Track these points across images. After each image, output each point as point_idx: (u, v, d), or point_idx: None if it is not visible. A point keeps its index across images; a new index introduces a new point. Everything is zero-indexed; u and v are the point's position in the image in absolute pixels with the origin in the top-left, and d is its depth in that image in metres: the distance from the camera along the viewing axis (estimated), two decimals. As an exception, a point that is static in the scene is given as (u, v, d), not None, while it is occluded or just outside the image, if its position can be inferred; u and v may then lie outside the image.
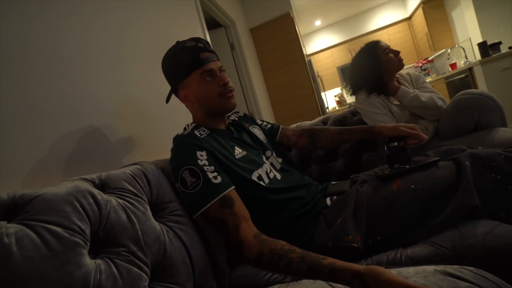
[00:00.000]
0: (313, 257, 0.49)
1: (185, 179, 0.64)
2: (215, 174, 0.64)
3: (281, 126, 1.00)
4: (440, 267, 0.44)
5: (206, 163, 0.65)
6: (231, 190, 0.64)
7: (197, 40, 0.75)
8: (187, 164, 0.64)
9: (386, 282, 0.40)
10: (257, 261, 0.55)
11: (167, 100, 0.81)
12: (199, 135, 0.72)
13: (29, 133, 0.58)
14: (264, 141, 0.87)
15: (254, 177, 0.70)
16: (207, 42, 0.77)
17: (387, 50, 1.16)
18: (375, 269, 0.42)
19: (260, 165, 0.74)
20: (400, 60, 1.15)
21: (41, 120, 0.61)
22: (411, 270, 0.46)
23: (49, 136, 0.62)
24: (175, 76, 0.76)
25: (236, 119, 0.91)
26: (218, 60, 0.78)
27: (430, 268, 0.45)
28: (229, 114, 0.93)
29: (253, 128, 0.89)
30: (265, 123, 0.99)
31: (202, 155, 0.66)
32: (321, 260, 0.47)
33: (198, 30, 1.75)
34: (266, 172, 0.74)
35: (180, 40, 0.78)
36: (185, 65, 0.73)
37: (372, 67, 1.17)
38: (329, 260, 0.47)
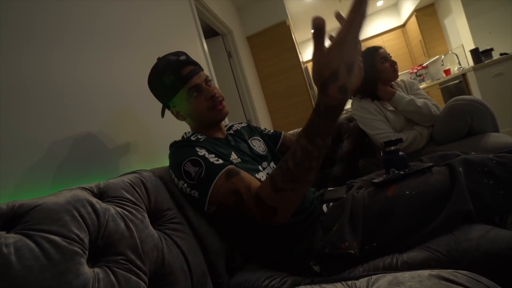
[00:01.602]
0: (295, 144, 0.52)
1: (189, 171, 0.65)
2: (216, 158, 0.66)
3: (283, 132, 1.02)
4: (435, 272, 0.45)
5: (207, 153, 0.67)
6: (231, 166, 0.65)
7: (177, 54, 0.75)
8: (187, 157, 0.66)
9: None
10: (275, 188, 0.54)
11: (162, 115, 0.82)
12: (196, 140, 0.73)
13: (24, 142, 0.58)
14: (263, 152, 0.88)
15: None
16: (187, 55, 0.77)
17: (383, 58, 1.18)
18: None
19: (255, 173, 0.75)
20: (395, 70, 1.18)
21: (36, 128, 0.62)
22: (406, 275, 0.46)
23: (46, 144, 0.63)
24: (162, 96, 0.77)
25: (238, 128, 0.93)
26: (202, 70, 0.78)
27: (425, 272, 0.45)
28: (231, 124, 0.95)
29: (252, 141, 0.90)
30: (267, 130, 1.01)
31: (201, 150, 0.68)
32: (299, 139, 0.51)
33: (195, 39, 1.78)
34: (261, 180, 0.75)
35: (160, 56, 0.77)
36: (169, 85, 0.73)
37: (367, 73, 1.19)
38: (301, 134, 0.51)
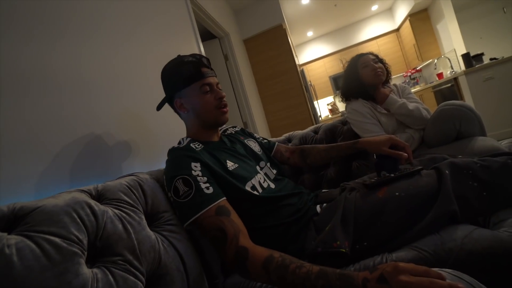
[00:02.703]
0: (321, 265, 0.50)
1: (178, 188, 0.65)
2: (208, 184, 0.66)
3: (276, 142, 1.05)
4: (421, 270, 0.47)
5: (200, 174, 0.67)
6: (223, 200, 0.65)
7: (199, 56, 0.81)
8: (181, 174, 0.66)
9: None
10: (264, 267, 0.52)
11: (159, 108, 0.83)
12: (194, 148, 0.75)
13: (30, 146, 0.60)
14: (259, 152, 0.91)
15: (248, 187, 0.72)
16: (208, 60, 0.83)
17: (364, 64, 1.23)
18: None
19: (253, 175, 0.77)
20: (376, 75, 1.21)
21: (41, 132, 0.63)
22: (394, 273, 0.48)
23: (50, 148, 0.64)
24: (174, 85, 0.79)
25: (233, 132, 0.95)
26: (216, 76, 0.84)
27: (412, 271, 0.47)
28: (225, 127, 0.97)
29: (248, 141, 0.92)
30: (261, 138, 1.04)
31: (196, 166, 0.69)
32: (329, 268, 0.48)
33: (192, 42, 1.80)
34: (260, 182, 0.77)
35: (181, 54, 0.83)
36: (186, 75, 0.77)
37: (353, 78, 1.25)
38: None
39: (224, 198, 0.66)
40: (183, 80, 0.78)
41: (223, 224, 0.60)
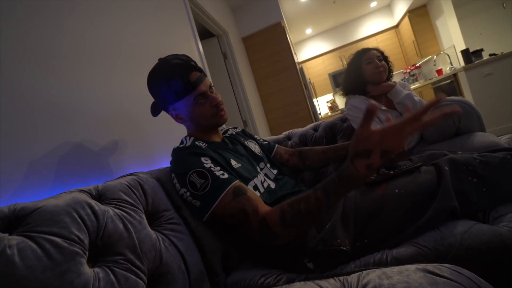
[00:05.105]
0: (311, 191, 0.55)
1: (194, 182, 0.66)
2: (222, 172, 0.67)
3: (276, 144, 1.05)
4: (421, 266, 0.47)
5: (212, 165, 0.69)
6: (237, 181, 0.67)
7: (183, 58, 0.74)
8: (193, 168, 0.67)
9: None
10: (283, 222, 0.57)
11: (156, 114, 0.81)
12: (200, 146, 0.75)
13: (22, 144, 0.59)
14: (259, 153, 0.91)
15: (250, 186, 0.73)
16: (193, 60, 0.77)
17: (369, 60, 1.22)
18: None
19: (255, 175, 0.78)
20: (377, 73, 1.20)
21: (33, 130, 0.62)
22: (395, 269, 0.48)
23: (43, 146, 0.64)
24: (165, 99, 0.75)
25: (234, 133, 0.96)
26: (206, 76, 0.79)
27: (412, 267, 0.48)
28: (227, 128, 0.98)
29: (248, 142, 0.93)
30: (262, 140, 1.04)
31: (206, 160, 0.70)
32: (316, 190, 0.54)
33: (190, 40, 1.79)
34: (261, 181, 0.78)
35: (162, 56, 0.76)
36: (177, 89, 0.72)
37: (354, 72, 1.24)
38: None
39: (238, 180, 0.68)
40: (174, 94, 0.73)
41: (243, 204, 0.62)
